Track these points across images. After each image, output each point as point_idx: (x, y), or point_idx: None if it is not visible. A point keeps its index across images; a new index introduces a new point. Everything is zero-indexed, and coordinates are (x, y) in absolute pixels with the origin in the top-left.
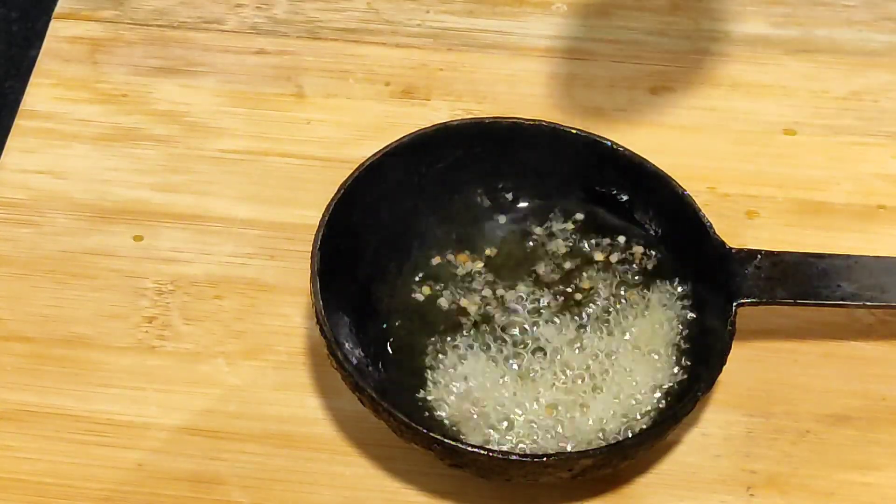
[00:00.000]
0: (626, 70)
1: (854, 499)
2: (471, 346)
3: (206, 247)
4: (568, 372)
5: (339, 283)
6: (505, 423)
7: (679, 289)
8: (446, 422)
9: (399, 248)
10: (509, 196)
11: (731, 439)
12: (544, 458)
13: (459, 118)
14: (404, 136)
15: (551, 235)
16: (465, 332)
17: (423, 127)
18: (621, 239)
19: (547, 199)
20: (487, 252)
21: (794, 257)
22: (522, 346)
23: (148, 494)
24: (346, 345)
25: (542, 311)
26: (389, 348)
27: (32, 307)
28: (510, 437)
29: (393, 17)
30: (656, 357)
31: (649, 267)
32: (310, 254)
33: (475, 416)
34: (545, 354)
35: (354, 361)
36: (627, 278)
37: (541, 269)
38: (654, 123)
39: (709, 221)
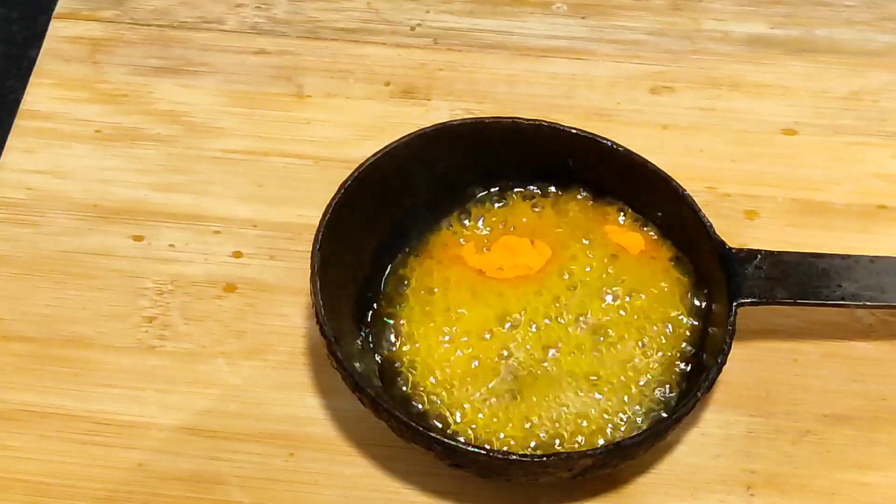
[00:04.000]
0: (626, 70)
1: (854, 499)
2: (472, 344)
3: (206, 247)
4: (570, 370)
5: (339, 282)
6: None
7: (678, 288)
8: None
9: (399, 247)
10: (508, 195)
11: (731, 439)
12: (544, 458)
13: (459, 118)
14: (404, 136)
15: None
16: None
17: (423, 127)
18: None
19: (546, 199)
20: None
21: (794, 257)
22: (522, 344)
23: (148, 494)
24: (346, 345)
25: (542, 310)
26: (390, 347)
27: (32, 307)
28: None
29: (393, 17)
30: (656, 356)
31: (649, 266)
32: (310, 254)
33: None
34: (545, 353)
35: (354, 361)
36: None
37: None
38: (654, 123)
39: (709, 221)
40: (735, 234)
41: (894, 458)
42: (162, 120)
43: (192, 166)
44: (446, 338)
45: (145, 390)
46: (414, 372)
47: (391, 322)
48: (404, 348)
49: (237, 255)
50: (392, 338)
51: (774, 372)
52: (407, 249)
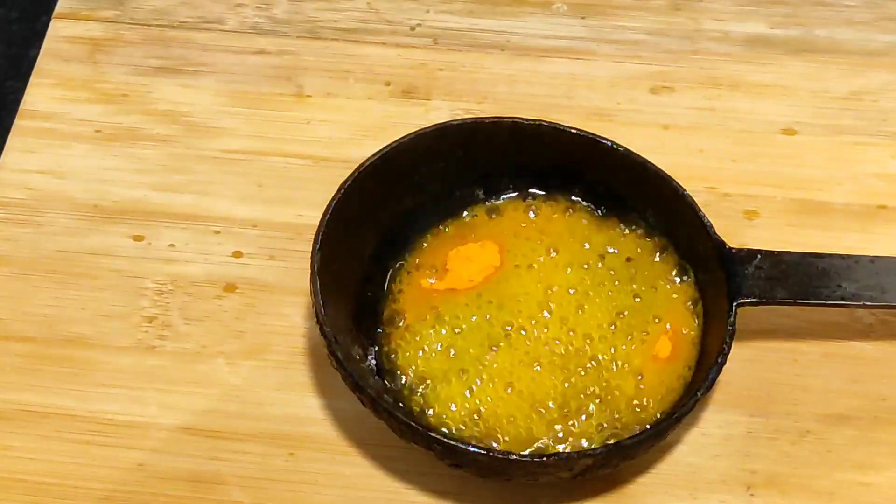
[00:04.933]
0: (626, 70)
1: (854, 499)
2: (471, 344)
3: (206, 247)
4: (567, 371)
5: (339, 282)
6: (504, 421)
7: (678, 288)
8: (446, 419)
9: (399, 247)
10: (509, 196)
11: (731, 439)
12: (544, 458)
13: (459, 118)
14: (404, 136)
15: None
16: (465, 331)
17: (423, 127)
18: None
19: (546, 200)
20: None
21: (794, 257)
22: (522, 343)
23: (148, 494)
24: (346, 345)
25: (541, 309)
26: (389, 347)
27: (32, 307)
28: (510, 435)
29: (393, 17)
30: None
31: (649, 266)
32: (310, 254)
33: (475, 412)
34: (545, 353)
35: (354, 361)
36: (626, 278)
37: (538, 265)
38: (654, 123)
39: (709, 221)
40: (735, 234)
41: (894, 458)
42: (162, 120)
43: (192, 166)
44: (448, 335)
45: (145, 390)
46: (413, 370)
47: (392, 321)
48: (405, 347)
49: (237, 255)
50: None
51: (774, 372)
52: (409, 249)
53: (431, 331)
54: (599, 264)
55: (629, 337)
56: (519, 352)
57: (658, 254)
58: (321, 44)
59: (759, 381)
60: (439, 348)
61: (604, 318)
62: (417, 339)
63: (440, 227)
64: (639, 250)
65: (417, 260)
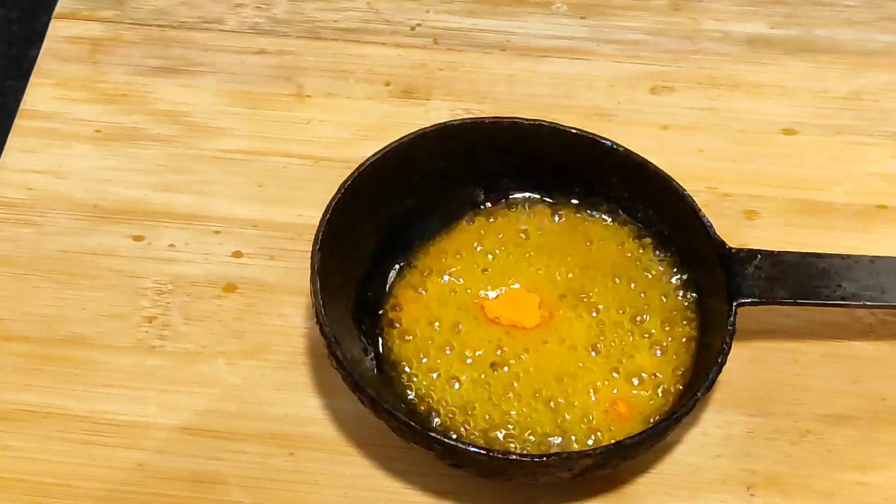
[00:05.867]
0: (626, 70)
1: (854, 499)
2: (468, 348)
3: (206, 247)
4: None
5: (339, 282)
6: (499, 422)
7: (679, 288)
8: (443, 421)
9: (399, 247)
10: (509, 196)
11: (731, 439)
12: (544, 458)
13: (459, 118)
14: (404, 136)
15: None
16: (464, 331)
17: (423, 127)
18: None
19: (547, 200)
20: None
21: (794, 257)
22: (521, 344)
23: (148, 494)
24: (346, 345)
25: (541, 310)
26: (389, 348)
27: (32, 307)
28: (504, 433)
29: (393, 17)
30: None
31: (649, 266)
32: (310, 254)
33: (472, 415)
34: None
35: (354, 361)
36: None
37: (541, 269)
38: (654, 123)
39: (709, 221)
40: (735, 234)
41: (894, 458)
42: (162, 120)
43: (192, 166)
44: (447, 335)
45: (145, 390)
46: (413, 370)
47: (392, 322)
48: (405, 347)
49: (237, 255)
50: (393, 336)
51: (774, 372)
52: (409, 249)
53: (431, 333)
54: (603, 276)
55: (625, 343)
56: (517, 361)
57: (657, 254)
58: (321, 44)
59: (759, 381)
60: (438, 350)
61: (609, 320)
62: (417, 340)
63: (440, 227)
64: (640, 251)
65: (417, 260)
